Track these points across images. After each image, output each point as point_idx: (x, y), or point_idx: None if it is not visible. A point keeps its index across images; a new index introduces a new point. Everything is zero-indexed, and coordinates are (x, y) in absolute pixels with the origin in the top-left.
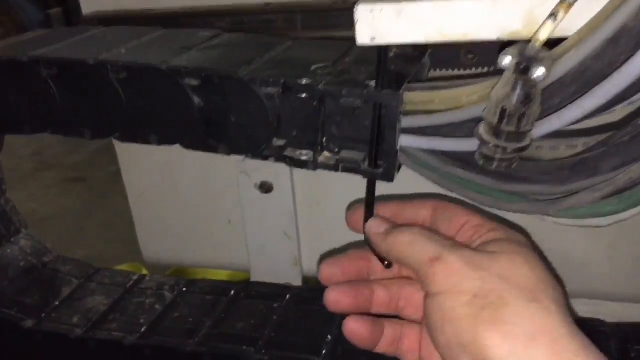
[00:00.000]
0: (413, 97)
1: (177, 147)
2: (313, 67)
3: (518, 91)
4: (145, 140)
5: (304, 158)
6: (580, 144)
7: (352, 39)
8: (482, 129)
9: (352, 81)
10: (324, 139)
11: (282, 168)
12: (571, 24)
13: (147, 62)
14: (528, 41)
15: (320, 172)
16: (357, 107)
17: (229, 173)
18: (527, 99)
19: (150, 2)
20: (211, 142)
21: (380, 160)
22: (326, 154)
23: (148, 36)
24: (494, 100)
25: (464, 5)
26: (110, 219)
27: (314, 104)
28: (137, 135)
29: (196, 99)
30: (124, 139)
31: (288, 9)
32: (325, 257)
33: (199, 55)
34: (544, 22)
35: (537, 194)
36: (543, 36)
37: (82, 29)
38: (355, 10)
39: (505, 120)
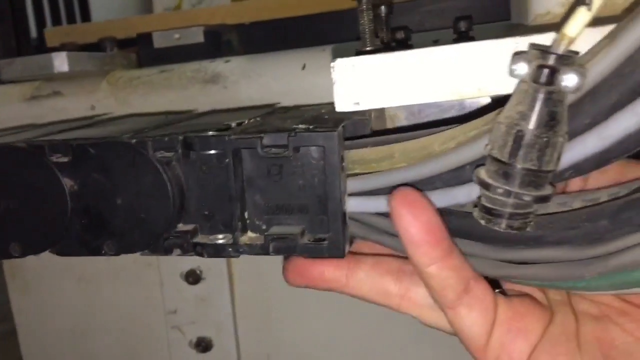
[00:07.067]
0: (363, 154)
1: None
2: (222, 125)
3: (539, 108)
4: (4, 253)
5: (220, 242)
6: (605, 196)
7: None
8: (484, 170)
9: (275, 128)
10: (246, 213)
11: (225, 317)
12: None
13: None
14: (542, 49)
15: (276, 312)
16: (284, 158)
17: (157, 328)
18: (552, 119)
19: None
20: (92, 241)
21: (321, 231)
22: (250, 234)
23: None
24: (504, 125)
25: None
26: None
27: (227, 162)
28: None
29: (67, 182)
30: None
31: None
32: None
33: (74, 133)
34: (574, 11)
35: (556, 261)
36: (573, 30)
37: None
38: (332, 67)
39: (522, 152)
